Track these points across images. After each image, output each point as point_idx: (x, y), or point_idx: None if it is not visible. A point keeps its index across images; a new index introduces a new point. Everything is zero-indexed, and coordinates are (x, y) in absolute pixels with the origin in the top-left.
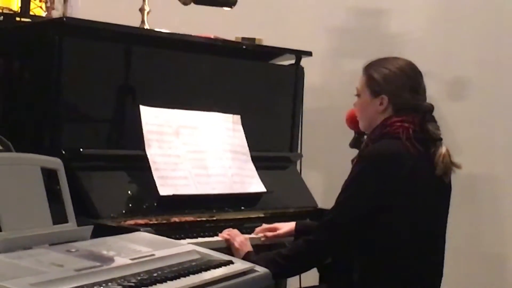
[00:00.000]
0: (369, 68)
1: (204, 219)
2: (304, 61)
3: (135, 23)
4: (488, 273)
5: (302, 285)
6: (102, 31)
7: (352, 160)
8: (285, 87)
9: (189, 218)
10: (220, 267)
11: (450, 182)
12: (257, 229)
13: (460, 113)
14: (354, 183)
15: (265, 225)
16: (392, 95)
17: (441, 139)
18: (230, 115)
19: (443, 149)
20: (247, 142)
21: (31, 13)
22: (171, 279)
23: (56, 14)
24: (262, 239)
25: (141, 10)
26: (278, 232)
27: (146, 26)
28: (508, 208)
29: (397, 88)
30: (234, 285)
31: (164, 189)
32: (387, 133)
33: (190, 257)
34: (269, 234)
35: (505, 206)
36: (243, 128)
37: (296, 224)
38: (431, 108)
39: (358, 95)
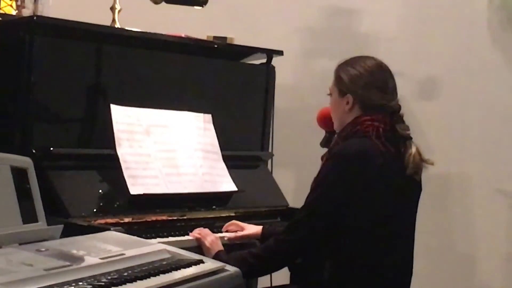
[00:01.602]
0: (339, 68)
1: (175, 218)
2: (276, 61)
3: (106, 21)
4: (458, 272)
5: (273, 285)
6: (73, 30)
7: (322, 157)
8: (256, 86)
9: (160, 217)
10: (191, 266)
11: (421, 180)
12: (226, 224)
13: (431, 113)
14: (323, 182)
15: (234, 221)
16: (357, 94)
17: (411, 138)
18: (201, 114)
19: (413, 149)
20: (218, 141)
21: (1, 11)
22: (141, 278)
23: (26, 12)
24: (232, 235)
25: (112, 8)
26: (242, 233)
27: (117, 25)
28: (479, 207)
29: (362, 88)
30: (204, 284)
31: (134, 188)
32: (357, 131)
33: (161, 256)
34: (232, 235)
35: (476, 205)
36: (214, 127)
37: (262, 228)
38: (398, 108)
39: (330, 94)
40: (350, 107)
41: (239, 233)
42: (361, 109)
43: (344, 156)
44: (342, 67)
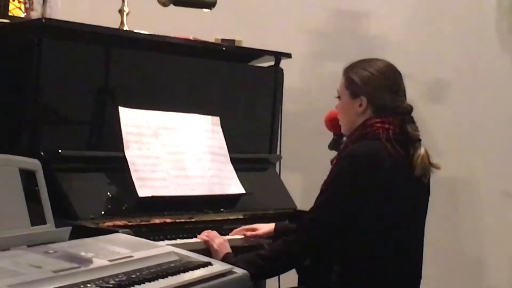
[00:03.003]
0: (349, 70)
1: (183, 220)
2: (284, 63)
3: (115, 24)
4: (467, 275)
5: (281, 287)
6: (81, 32)
7: (332, 161)
8: (264, 88)
9: (168, 220)
10: (199, 268)
11: (429, 183)
12: (235, 230)
13: (439, 115)
14: (333, 184)
15: (244, 226)
16: (370, 96)
17: (420, 140)
18: (209, 117)
19: (421, 150)
20: (226, 144)
21: (10, 14)
22: (150, 280)
23: (35, 15)
24: (240, 237)
25: (121, 11)
26: (257, 232)
27: (126, 28)
28: (487, 210)
29: (375, 90)
30: (212, 286)
31: (143, 191)
32: (367, 133)
33: (169, 258)
34: (248, 233)
35: (484, 208)
36: (222, 130)
37: (275, 225)
38: (410, 109)
39: (338, 97)
40: (363, 109)
41: (253, 233)
42: (374, 111)
43: (354, 158)
44: (352, 69)
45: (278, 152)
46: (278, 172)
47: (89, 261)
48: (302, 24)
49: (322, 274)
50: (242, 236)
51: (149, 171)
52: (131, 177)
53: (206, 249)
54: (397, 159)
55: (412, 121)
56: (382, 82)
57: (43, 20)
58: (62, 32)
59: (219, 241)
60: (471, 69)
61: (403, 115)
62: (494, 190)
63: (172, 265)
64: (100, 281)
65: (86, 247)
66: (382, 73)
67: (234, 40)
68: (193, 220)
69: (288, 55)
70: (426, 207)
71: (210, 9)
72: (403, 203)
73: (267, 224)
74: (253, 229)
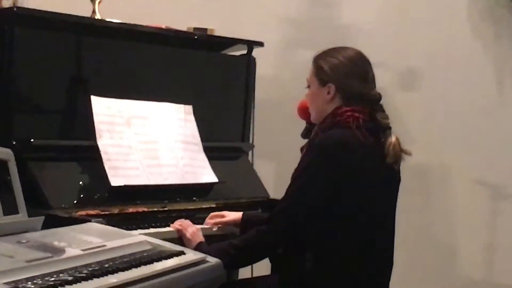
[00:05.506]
0: (318, 58)
1: (156, 209)
2: (256, 52)
3: (87, 13)
4: (439, 263)
5: (254, 275)
6: (53, 21)
7: (301, 149)
8: (237, 77)
9: (141, 209)
10: (172, 257)
11: (399, 171)
12: (207, 218)
13: (411, 104)
14: (305, 173)
15: (212, 213)
16: (339, 83)
17: (390, 128)
18: (182, 106)
19: (392, 138)
20: (199, 133)
21: None
22: (123, 269)
23: (7, 4)
24: (206, 226)
25: None
26: (223, 219)
27: (98, 16)
28: (459, 198)
29: (344, 77)
30: (185, 275)
31: (115, 180)
32: (337, 122)
33: (142, 247)
34: (211, 221)
35: (457, 196)
36: (195, 119)
37: (242, 214)
38: (379, 97)
39: (308, 86)
40: (332, 97)
41: (219, 220)
42: (342, 99)
43: (324, 147)
44: (322, 57)
45: (250, 141)
46: (250, 160)
47: (62, 250)
48: (275, 12)
49: (295, 262)
50: (213, 221)
51: (121, 160)
52: (103, 166)
53: (179, 238)
54: (367, 147)
55: (381, 109)
56: (350, 69)
57: (15, 9)
58: (34, 20)
59: (192, 230)
60: (443, 57)
61: (372, 103)
62: (467, 177)
63: (145, 254)
64: (73, 271)
65: (58, 236)
66: (351, 61)
67: (206, 29)
68: (166, 209)
69: (261, 44)
70: (396, 194)
71: None
72: (375, 191)
73: (234, 212)
74: (222, 216)
